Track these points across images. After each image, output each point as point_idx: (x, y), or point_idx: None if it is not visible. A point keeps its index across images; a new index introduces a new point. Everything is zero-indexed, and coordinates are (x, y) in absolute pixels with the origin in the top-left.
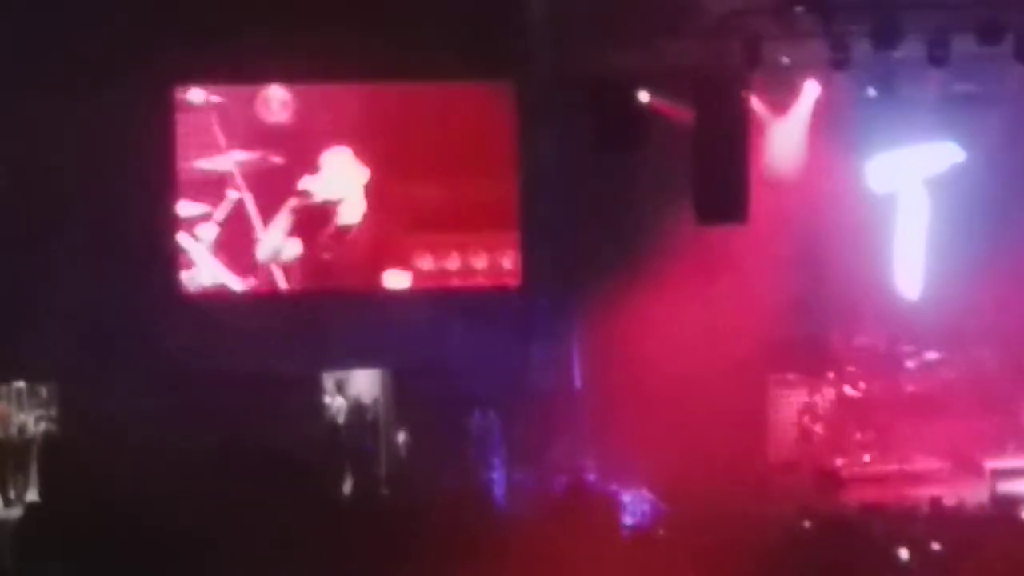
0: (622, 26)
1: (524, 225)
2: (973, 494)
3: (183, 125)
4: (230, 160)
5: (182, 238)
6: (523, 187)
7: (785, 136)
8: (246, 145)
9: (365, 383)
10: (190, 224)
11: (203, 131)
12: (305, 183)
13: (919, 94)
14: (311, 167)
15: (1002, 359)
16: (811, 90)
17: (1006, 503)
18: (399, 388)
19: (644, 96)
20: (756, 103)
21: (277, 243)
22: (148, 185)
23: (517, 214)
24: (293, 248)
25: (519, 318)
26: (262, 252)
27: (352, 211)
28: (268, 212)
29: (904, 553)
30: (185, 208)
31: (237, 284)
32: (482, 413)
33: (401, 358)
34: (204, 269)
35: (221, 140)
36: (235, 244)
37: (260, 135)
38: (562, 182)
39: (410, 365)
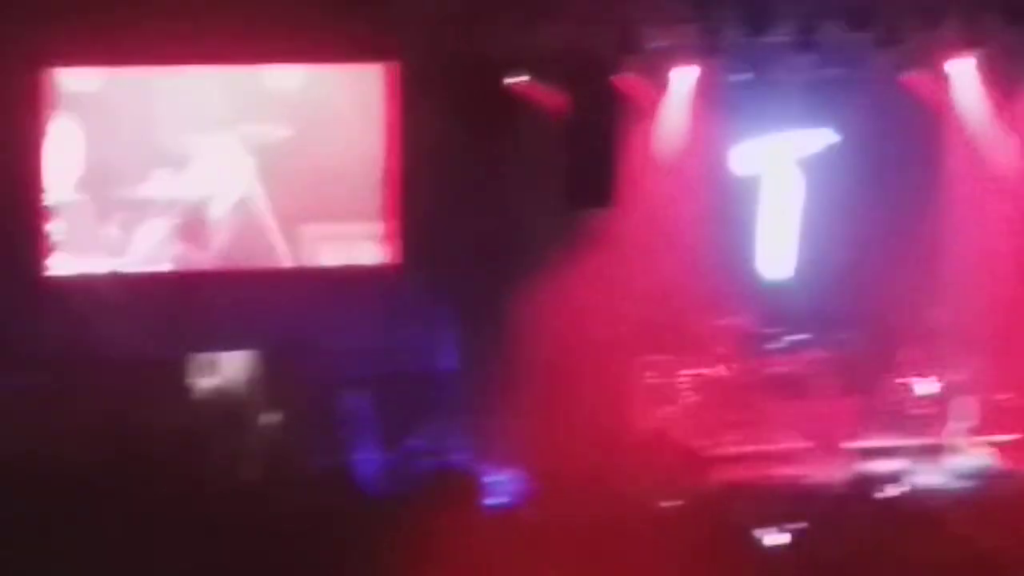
0: (498, 9)
1: (402, 207)
2: (834, 474)
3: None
4: None
5: (49, 224)
6: (402, 169)
7: (661, 121)
8: None
9: (234, 365)
10: (56, 210)
11: None
12: (171, 183)
13: (791, 78)
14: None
15: (866, 341)
16: (685, 75)
17: (866, 483)
18: (269, 369)
19: (518, 80)
20: (631, 88)
21: (147, 249)
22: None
23: (396, 196)
24: (164, 248)
25: (393, 299)
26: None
27: (226, 200)
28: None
29: (766, 533)
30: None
31: (104, 267)
32: (353, 394)
33: (272, 339)
34: (71, 254)
35: None
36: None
37: None
38: (441, 165)
39: (281, 346)
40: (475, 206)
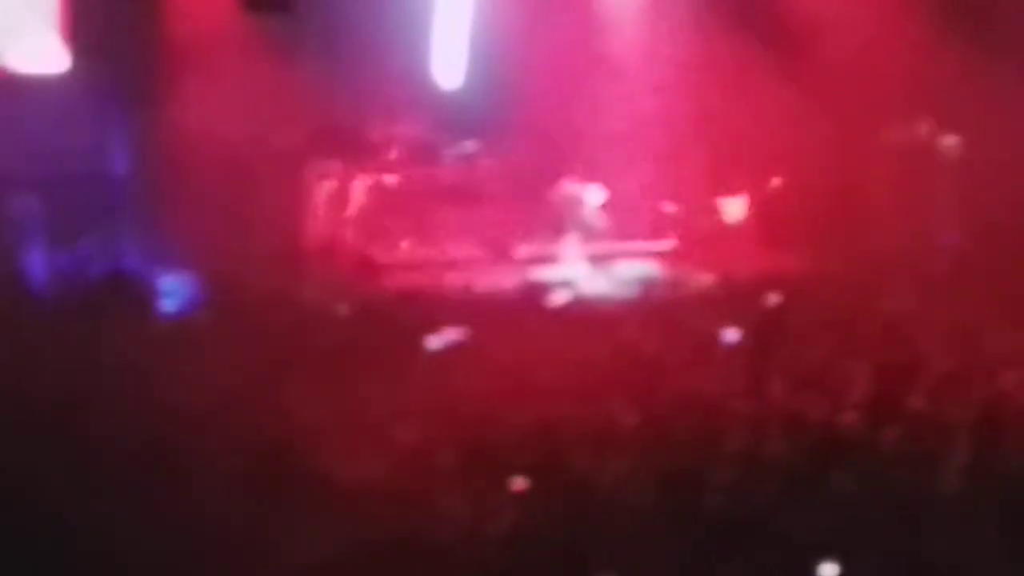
0: None
1: (73, 10)
2: (505, 280)
3: None
4: None
5: None
6: None
7: None
8: None
9: None
10: None
11: None
12: None
13: None
14: None
15: (537, 149)
16: None
17: (536, 289)
18: None
19: None
20: None
21: None
22: None
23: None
24: None
25: (61, 101)
26: None
27: None
28: None
29: (436, 339)
30: None
31: None
32: (21, 196)
33: None
34: None
35: None
36: None
37: None
38: None
39: None
40: (149, 8)
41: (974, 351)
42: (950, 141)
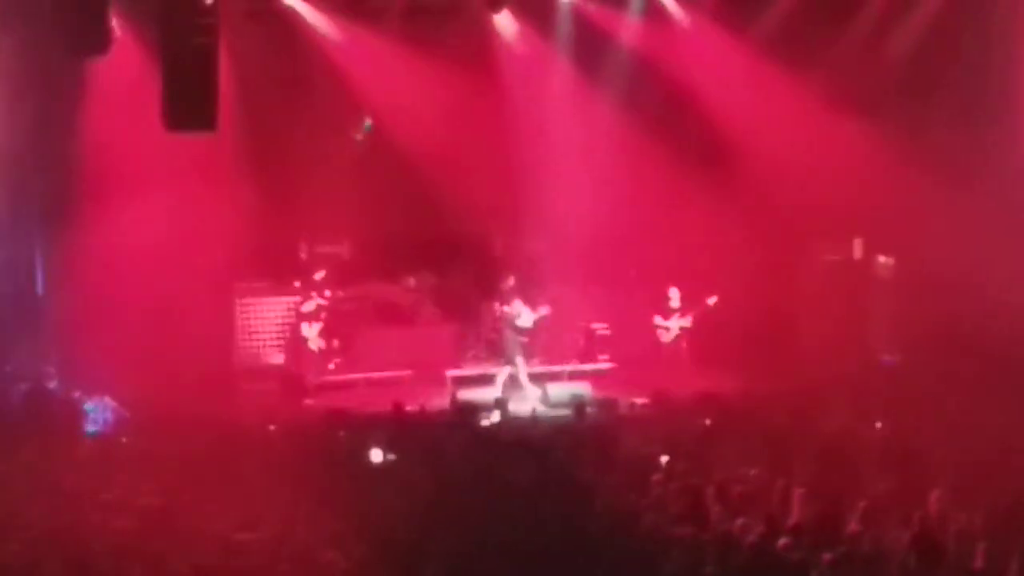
0: None
1: None
2: (435, 401)
3: None
4: None
5: None
6: None
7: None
8: None
9: None
10: None
11: None
12: None
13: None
14: None
15: (470, 270)
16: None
17: (466, 410)
18: None
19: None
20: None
21: None
22: None
23: None
24: None
25: None
26: None
27: None
28: None
29: (376, 454)
30: None
31: None
32: None
33: None
34: None
35: None
36: None
37: None
38: (24, 86)
39: None
40: (64, 130)
41: (910, 472)
42: (884, 261)
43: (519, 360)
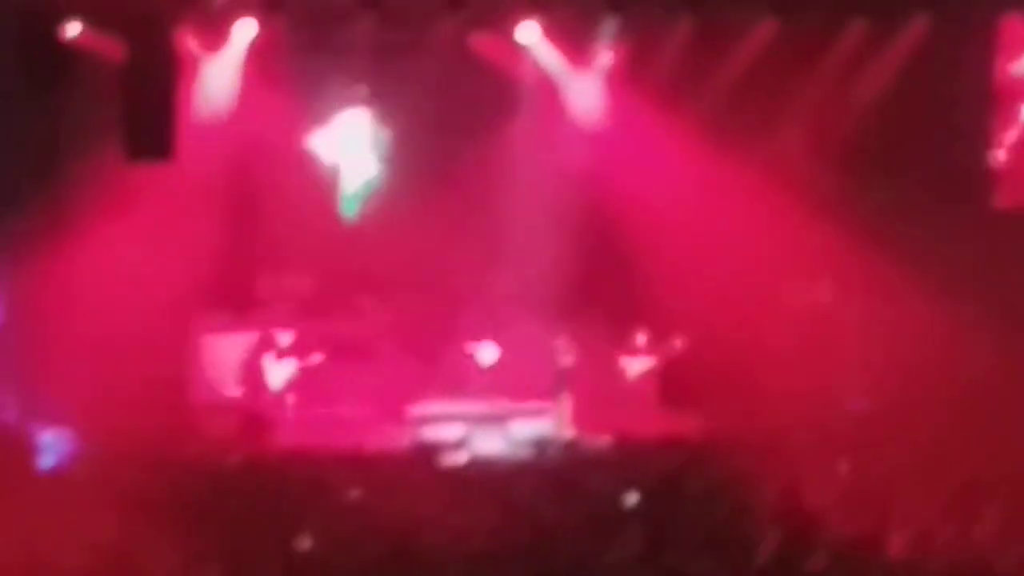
0: None
1: None
2: (395, 440)
3: None
4: None
5: None
6: None
7: (216, 76)
8: None
9: None
10: None
11: None
12: None
13: (351, 39)
14: None
15: (431, 306)
16: (245, 31)
17: (427, 449)
18: None
19: (73, 30)
20: (189, 41)
21: None
22: None
23: None
24: None
25: None
26: None
27: None
28: None
29: (330, 496)
30: None
31: None
32: None
33: None
34: None
35: None
36: None
37: None
38: None
39: None
40: (28, 161)
41: (876, 516)
42: (853, 305)
43: (481, 398)
